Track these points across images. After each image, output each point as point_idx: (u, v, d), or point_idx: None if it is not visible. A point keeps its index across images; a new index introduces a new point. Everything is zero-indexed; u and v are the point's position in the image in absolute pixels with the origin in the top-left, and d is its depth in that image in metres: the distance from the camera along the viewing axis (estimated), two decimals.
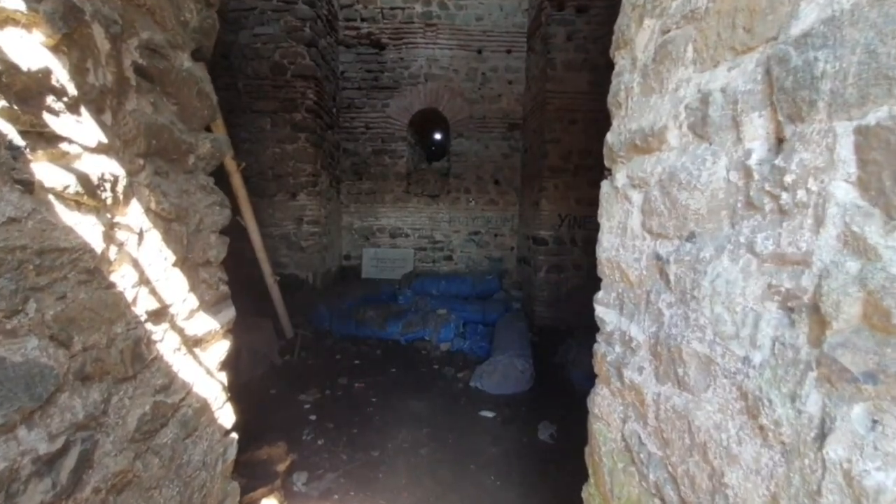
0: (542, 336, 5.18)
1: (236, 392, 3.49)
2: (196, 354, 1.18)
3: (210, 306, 1.27)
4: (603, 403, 1.27)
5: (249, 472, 2.30)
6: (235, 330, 3.88)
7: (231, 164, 3.28)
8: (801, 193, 0.68)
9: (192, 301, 1.18)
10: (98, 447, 0.89)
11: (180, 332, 1.11)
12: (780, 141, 0.74)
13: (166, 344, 1.08)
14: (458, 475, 2.69)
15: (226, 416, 1.35)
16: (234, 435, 1.41)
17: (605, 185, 1.33)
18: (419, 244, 7.05)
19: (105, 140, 0.90)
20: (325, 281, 6.07)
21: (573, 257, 5.64)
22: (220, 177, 3.82)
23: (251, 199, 5.37)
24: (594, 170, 5.37)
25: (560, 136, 5.34)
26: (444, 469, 2.75)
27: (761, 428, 0.74)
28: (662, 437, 1.03)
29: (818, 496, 0.63)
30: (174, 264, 1.10)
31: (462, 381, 4.06)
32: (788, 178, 0.69)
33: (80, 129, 0.84)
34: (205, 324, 1.24)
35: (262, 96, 5.27)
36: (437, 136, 8.00)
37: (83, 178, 0.83)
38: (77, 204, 0.83)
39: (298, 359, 4.44)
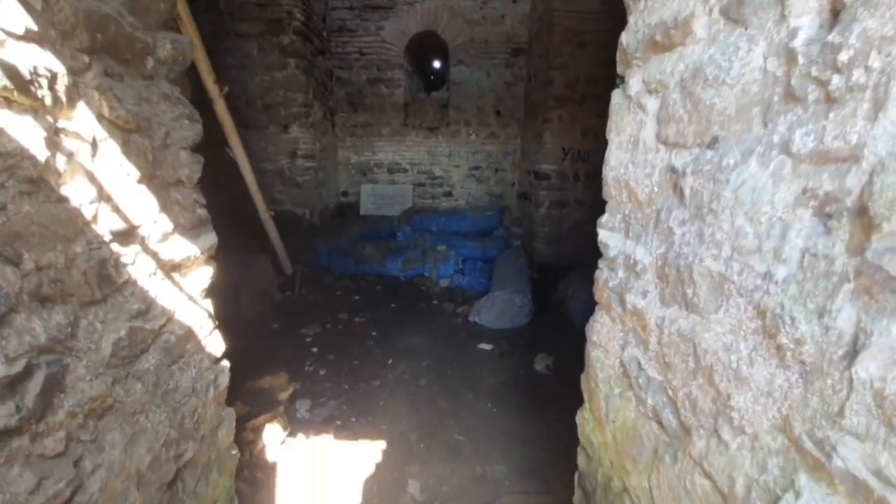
0: (541, 273, 5.16)
1: (238, 327, 3.52)
2: (175, 280, 1.11)
3: (187, 230, 1.18)
4: (602, 331, 1.22)
5: (252, 400, 2.35)
6: (233, 268, 3.81)
7: (214, 89, 3.05)
8: (857, 73, 0.56)
9: (166, 223, 1.09)
10: (69, 371, 0.84)
11: (154, 255, 1.03)
12: (835, 14, 0.61)
13: (139, 267, 1.01)
14: (456, 403, 2.75)
15: (214, 344, 1.31)
16: (226, 363, 1.38)
17: (616, 96, 1.19)
18: (418, 180, 6.87)
19: (34, 27, 0.76)
20: (322, 218, 5.97)
21: (575, 193, 5.50)
22: (204, 104, 3.58)
23: (241, 131, 5.15)
24: (601, 99, 5.07)
25: (567, 61, 5.00)
26: (443, 398, 2.81)
27: (779, 348, 0.67)
28: (664, 361, 0.98)
29: (840, 417, 0.57)
30: (139, 181, 1.00)
31: (461, 316, 4.09)
32: (844, 56, 0.57)
33: None
34: (182, 248, 1.15)
35: (247, 17, 4.87)
36: (436, 65, 7.54)
37: (10, 71, 0.71)
38: (6, 101, 0.72)
39: (298, 295, 4.46)
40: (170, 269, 1.11)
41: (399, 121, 6.64)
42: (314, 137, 5.46)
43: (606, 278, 1.20)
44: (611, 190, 1.19)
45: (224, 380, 1.35)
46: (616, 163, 1.16)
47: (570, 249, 5.66)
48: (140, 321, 1.00)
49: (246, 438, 2.15)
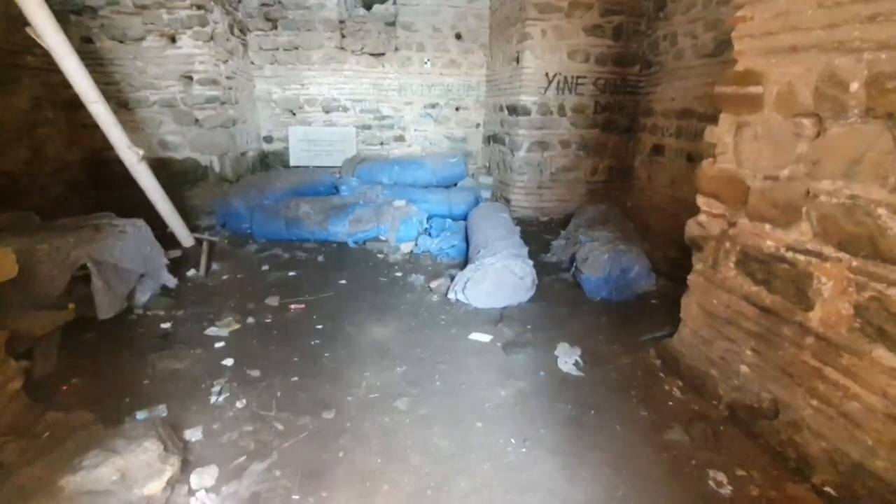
0: (522, 230, 4.18)
1: (84, 349, 2.19)
2: None
3: None
4: None
5: None
6: (66, 240, 2.37)
7: None
8: None
9: None
10: None
11: None
12: None
13: None
14: (459, 442, 1.75)
15: None
16: None
17: None
18: (362, 121, 5.55)
19: None
20: (237, 168, 4.56)
21: (559, 131, 4.52)
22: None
23: (105, 43, 3.56)
24: (595, 7, 4.01)
25: None
26: (438, 433, 1.80)
27: None
28: None
29: None
30: None
31: (437, 293, 3.05)
32: None
33: None
34: None
35: None
36: None
37: None
38: None
39: (206, 275, 3.17)
40: None
41: (333, 43, 5.20)
42: (216, 56, 3.95)
43: None
44: None
45: None
46: None
47: (554, 200, 4.74)
48: None
49: None
